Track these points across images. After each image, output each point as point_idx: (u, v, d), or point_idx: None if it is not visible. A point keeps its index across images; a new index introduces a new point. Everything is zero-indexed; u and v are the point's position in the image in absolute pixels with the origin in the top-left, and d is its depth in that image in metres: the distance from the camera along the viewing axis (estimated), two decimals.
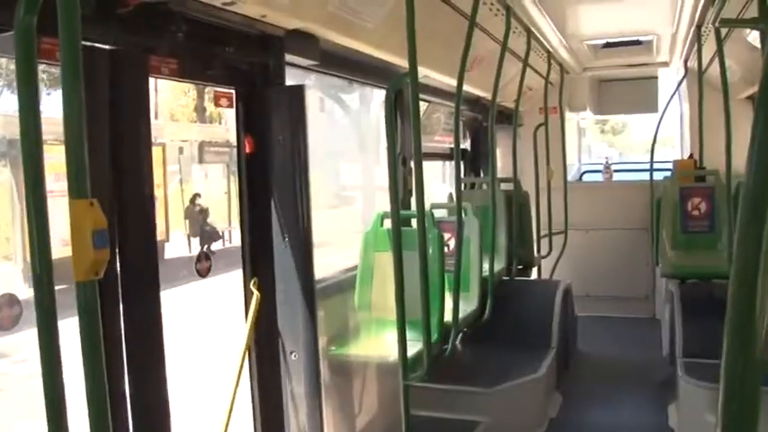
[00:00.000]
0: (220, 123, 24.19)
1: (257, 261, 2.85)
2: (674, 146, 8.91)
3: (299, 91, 2.78)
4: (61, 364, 1.40)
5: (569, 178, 7.19)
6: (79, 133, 1.40)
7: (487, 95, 4.99)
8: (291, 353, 2.94)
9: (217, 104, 2.68)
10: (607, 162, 8.81)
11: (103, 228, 1.42)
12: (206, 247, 15.58)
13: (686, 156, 6.62)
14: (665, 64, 6.83)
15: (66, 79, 1.38)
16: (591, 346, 6.12)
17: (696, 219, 5.49)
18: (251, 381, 2.93)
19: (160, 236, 15.09)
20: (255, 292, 2.74)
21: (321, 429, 2.95)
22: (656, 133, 6.49)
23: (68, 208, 1.40)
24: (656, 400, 4.79)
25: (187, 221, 15.65)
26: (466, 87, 3.85)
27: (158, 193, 15.25)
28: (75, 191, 1.39)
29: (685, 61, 6.24)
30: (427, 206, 3.21)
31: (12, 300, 2.02)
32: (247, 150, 2.76)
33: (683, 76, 6.36)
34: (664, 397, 4.70)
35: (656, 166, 6.48)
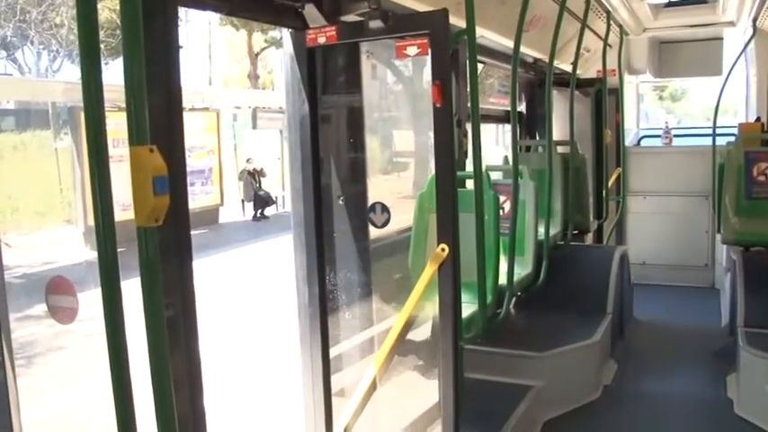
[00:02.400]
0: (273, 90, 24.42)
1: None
2: (736, 113, 8.58)
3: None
4: (124, 321, 1.45)
5: (627, 143, 7.02)
6: (139, 81, 1.42)
7: (544, 57, 4.88)
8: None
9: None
10: (667, 126, 8.55)
11: (164, 174, 1.45)
12: (260, 211, 15.86)
13: (752, 120, 6.36)
14: (732, 24, 6.54)
15: (126, 27, 1.40)
16: (647, 315, 6.03)
17: (762, 184, 5.29)
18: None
19: (214, 201, 15.45)
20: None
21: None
22: (719, 96, 6.25)
23: (129, 154, 1.43)
24: (713, 370, 4.70)
25: (241, 185, 15.94)
26: (522, 48, 3.78)
27: (213, 159, 15.56)
28: (135, 137, 1.42)
29: (754, 20, 5.95)
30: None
31: None
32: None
33: (752, 36, 6.08)
34: (722, 367, 4.60)
35: (718, 131, 6.27)
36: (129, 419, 1.47)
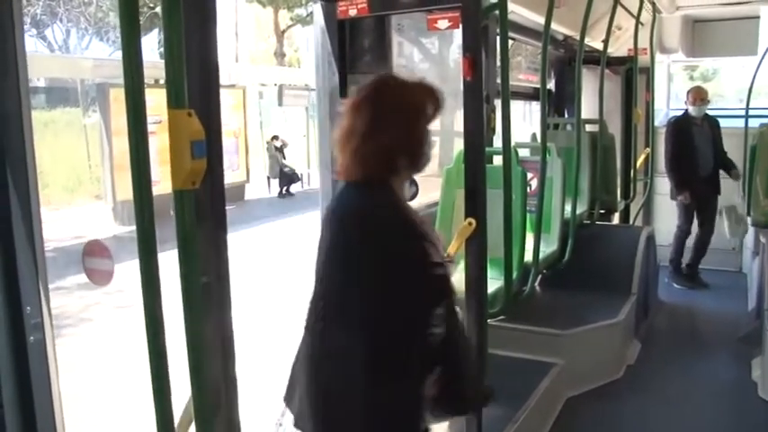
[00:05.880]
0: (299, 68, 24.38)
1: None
2: None
3: None
4: (161, 294, 1.47)
5: (657, 123, 6.92)
6: (179, 48, 1.45)
7: (574, 34, 4.83)
8: None
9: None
10: None
11: (201, 138, 1.47)
12: (285, 188, 15.94)
13: None
14: None
15: None
16: (672, 297, 5.99)
17: None
18: None
19: (240, 177, 15.53)
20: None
21: None
22: (754, 76, 6.13)
23: (167, 118, 1.45)
24: (738, 353, 4.67)
25: (267, 162, 16.02)
26: (552, 25, 3.74)
27: (239, 137, 15.55)
28: (174, 101, 1.45)
29: None
30: None
31: None
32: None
33: None
34: (747, 351, 4.57)
35: (751, 112, 6.15)
36: (163, 386, 1.50)
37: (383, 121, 1.72)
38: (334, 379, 1.74)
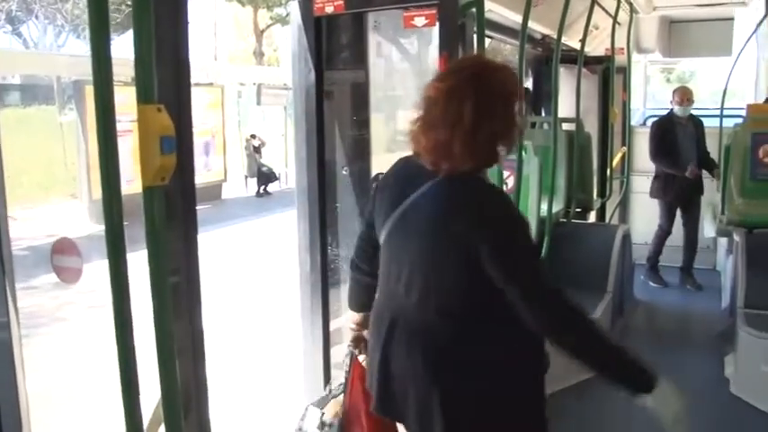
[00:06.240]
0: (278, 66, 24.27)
1: None
2: (743, 97, 8.49)
3: None
4: (129, 290, 1.46)
5: (633, 122, 6.98)
6: (148, 41, 1.43)
7: (552, 33, 4.85)
8: None
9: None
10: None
11: (171, 134, 1.45)
12: (263, 188, 15.86)
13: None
14: (743, 3, 6.46)
15: None
16: (647, 295, 6.05)
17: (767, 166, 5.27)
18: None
19: (218, 176, 15.34)
20: None
21: None
22: (728, 77, 6.20)
23: (136, 114, 1.44)
24: (711, 350, 4.72)
25: (244, 160, 15.94)
26: (530, 24, 3.75)
27: (217, 136, 15.38)
28: (143, 96, 1.42)
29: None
30: None
31: None
32: None
33: (764, 16, 6.00)
34: (720, 348, 4.63)
35: (726, 113, 6.22)
36: (132, 387, 1.49)
37: (489, 109, 1.63)
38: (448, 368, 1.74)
